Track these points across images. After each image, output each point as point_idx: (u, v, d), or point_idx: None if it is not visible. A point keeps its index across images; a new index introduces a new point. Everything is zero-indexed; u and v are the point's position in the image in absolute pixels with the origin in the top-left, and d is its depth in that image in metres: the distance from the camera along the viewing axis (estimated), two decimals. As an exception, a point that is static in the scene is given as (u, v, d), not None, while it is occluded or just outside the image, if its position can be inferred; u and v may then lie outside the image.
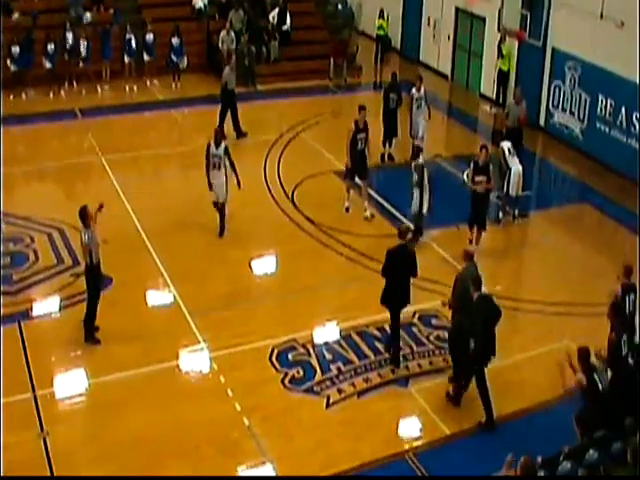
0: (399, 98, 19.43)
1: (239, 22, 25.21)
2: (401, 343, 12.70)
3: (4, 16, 23.08)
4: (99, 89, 23.43)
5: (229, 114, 20.38)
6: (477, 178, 15.03)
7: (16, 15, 22.65)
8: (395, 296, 12.04)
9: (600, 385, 9.65)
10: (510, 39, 22.38)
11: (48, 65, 22.86)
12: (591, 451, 8.82)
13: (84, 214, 12.18)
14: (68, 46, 22.94)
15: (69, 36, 22.93)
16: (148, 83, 24.07)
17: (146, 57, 24.12)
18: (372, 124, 17.93)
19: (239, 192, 17.19)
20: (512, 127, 18.62)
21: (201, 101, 23.11)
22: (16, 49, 22.25)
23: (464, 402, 11.56)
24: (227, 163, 15.50)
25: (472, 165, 15.27)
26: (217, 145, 15.47)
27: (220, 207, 15.64)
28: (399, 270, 11.87)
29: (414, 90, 19.33)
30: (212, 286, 14.05)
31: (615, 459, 8.78)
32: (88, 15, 24.11)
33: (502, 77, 23.03)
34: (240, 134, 20.41)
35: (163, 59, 24.14)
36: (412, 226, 14.85)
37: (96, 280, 12.41)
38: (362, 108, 16.75)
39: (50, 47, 22.73)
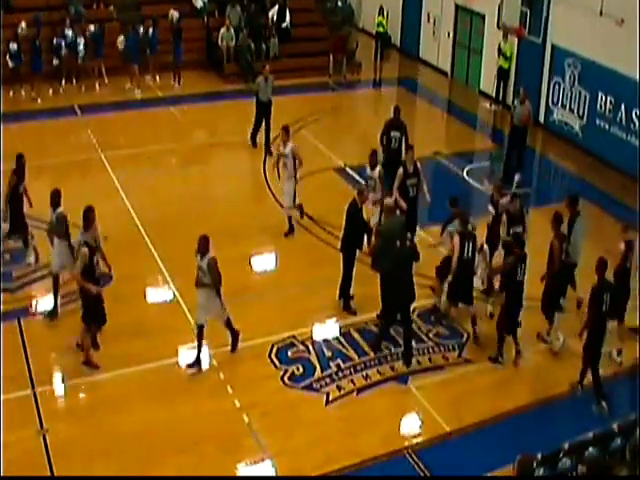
0: (403, 136, 16.71)
1: (236, 18, 25.20)
2: (401, 340, 12.76)
3: (4, 13, 23.07)
4: (97, 86, 23.38)
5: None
6: (514, 229, 13.14)
7: (23, 25, 22.56)
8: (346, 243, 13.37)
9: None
10: (511, 37, 22.41)
11: (55, 62, 22.83)
12: (590, 448, 8.84)
13: (88, 216, 11.90)
14: (67, 43, 22.90)
15: (68, 33, 22.89)
16: (148, 78, 24.00)
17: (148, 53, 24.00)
18: (373, 123, 17.96)
19: (239, 188, 17.20)
20: (517, 126, 18.63)
21: (200, 98, 23.11)
22: (14, 46, 22.14)
23: (464, 399, 11.59)
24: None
25: (505, 217, 13.43)
26: (54, 209, 12.79)
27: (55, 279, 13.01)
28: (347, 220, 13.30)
29: (281, 145, 15.79)
30: (212, 283, 14.03)
31: (615, 456, 8.81)
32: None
33: (502, 75, 23.03)
34: (255, 145, 19.69)
35: (163, 55, 24.06)
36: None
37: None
38: (410, 148, 15.12)
39: (55, 43, 22.71)
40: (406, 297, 12.30)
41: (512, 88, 22.71)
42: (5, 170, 17.33)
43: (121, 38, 23.47)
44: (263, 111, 19.47)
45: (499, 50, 22.71)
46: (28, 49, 22.38)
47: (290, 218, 15.65)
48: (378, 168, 14.84)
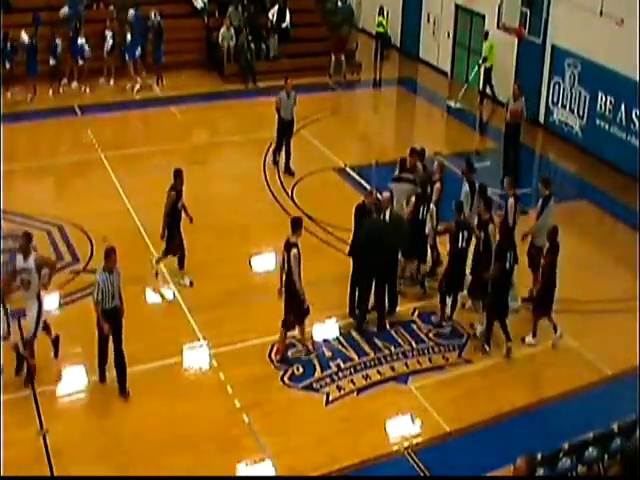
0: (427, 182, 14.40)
1: (237, 19, 25.20)
2: (400, 340, 12.79)
3: (4, 13, 23.04)
4: (98, 86, 23.40)
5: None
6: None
7: (24, 36, 22.42)
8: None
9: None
10: (491, 37, 22.84)
11: (52, 62, 22.81)
12: (591, 448, 8.84)
13: (110, 256, 11.14)
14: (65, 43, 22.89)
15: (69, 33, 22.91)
16: (149, 81, 24.01)
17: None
18: (373, 123, 17.93)
19: (240, 188, 17.18)
20: (510, 123, 18.65)
21: (201, 98, 23.10)
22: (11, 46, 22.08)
23: (464, 399, 11.60)
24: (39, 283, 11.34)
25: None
26: (25, 256, 11.22)
27: (23, 349, 11.33)
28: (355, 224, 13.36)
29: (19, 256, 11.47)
30: (212, 283, 14.04)
31: (615, 456, 8.81)
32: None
33: (486, 73, 23.35)
34: (276, 164, 18.64)
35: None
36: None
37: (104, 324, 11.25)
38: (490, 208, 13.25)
39: (55, 43, 22.67)
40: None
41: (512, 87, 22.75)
42: (5, 170, 17.49)
43: (128, 37, 23.45)
44: (285, 130, 18.37)
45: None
46: (24, 51, 22.27)
47: (19, 356, 11.44)
48: (32, 257, 11.36)
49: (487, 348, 12.56)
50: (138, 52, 23.50)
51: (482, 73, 23.45)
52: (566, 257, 15.49)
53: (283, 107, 18.20)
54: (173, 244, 13.82)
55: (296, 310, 12.04)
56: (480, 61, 23.30)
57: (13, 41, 21.97)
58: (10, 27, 22.39)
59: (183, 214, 13.78)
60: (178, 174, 13.63)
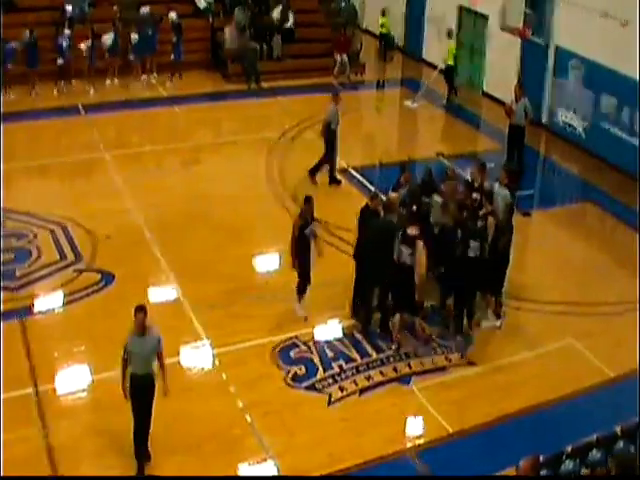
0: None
1: (243, 19, 25.19)
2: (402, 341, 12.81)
3: (5, 13, 23.06)
4: (101, 85, 23.43)
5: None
6: (473, 244, 12.55)
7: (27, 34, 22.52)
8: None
9: None
10: (453, 38, 23.95)
11: (60, 61, 22.81)
12: (594, 451, 8.82)
13: (135, 315, 9.92)
14: (68, 43, 22.87)
15: (67, 32, 22.86)
16: (154, 80, 24.04)
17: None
18: (376, 124, 17.89)
19: (242, 188, 17.26)
20: (514, 124, 18.62)
21: (204, 98, 23.14)
22: (10, 45, 22.05)
23: (467, 400, 11.58)
24: None
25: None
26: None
27: None
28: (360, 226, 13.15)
29: None
30: (215, 282, 14.04)
31: (617, 459, 8.79)
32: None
33: (448, 71, 23.81)
34: (334, 181, 18.12)
35: (165, 55, 24.13)
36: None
37: (136, 393, 10.15)
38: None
39: (61, 42, 22.68)
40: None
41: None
42: (9, 169, 17.52)
43: (135, 37, 23.47)
44: (333, 141, 17.96)
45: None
46: (24, 48, 22.28)
47: None
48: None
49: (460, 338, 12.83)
50: (145, 51, 23.61)
51: (445, 70, 24.10)
52: (569, 259, 15.54)
53: (334, 121, 17.88)
54: (305, 272, 13.29)
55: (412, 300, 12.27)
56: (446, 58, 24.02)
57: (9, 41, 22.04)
58: (14, 27, 22.45)
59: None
60: (308, 201, 13.20)
